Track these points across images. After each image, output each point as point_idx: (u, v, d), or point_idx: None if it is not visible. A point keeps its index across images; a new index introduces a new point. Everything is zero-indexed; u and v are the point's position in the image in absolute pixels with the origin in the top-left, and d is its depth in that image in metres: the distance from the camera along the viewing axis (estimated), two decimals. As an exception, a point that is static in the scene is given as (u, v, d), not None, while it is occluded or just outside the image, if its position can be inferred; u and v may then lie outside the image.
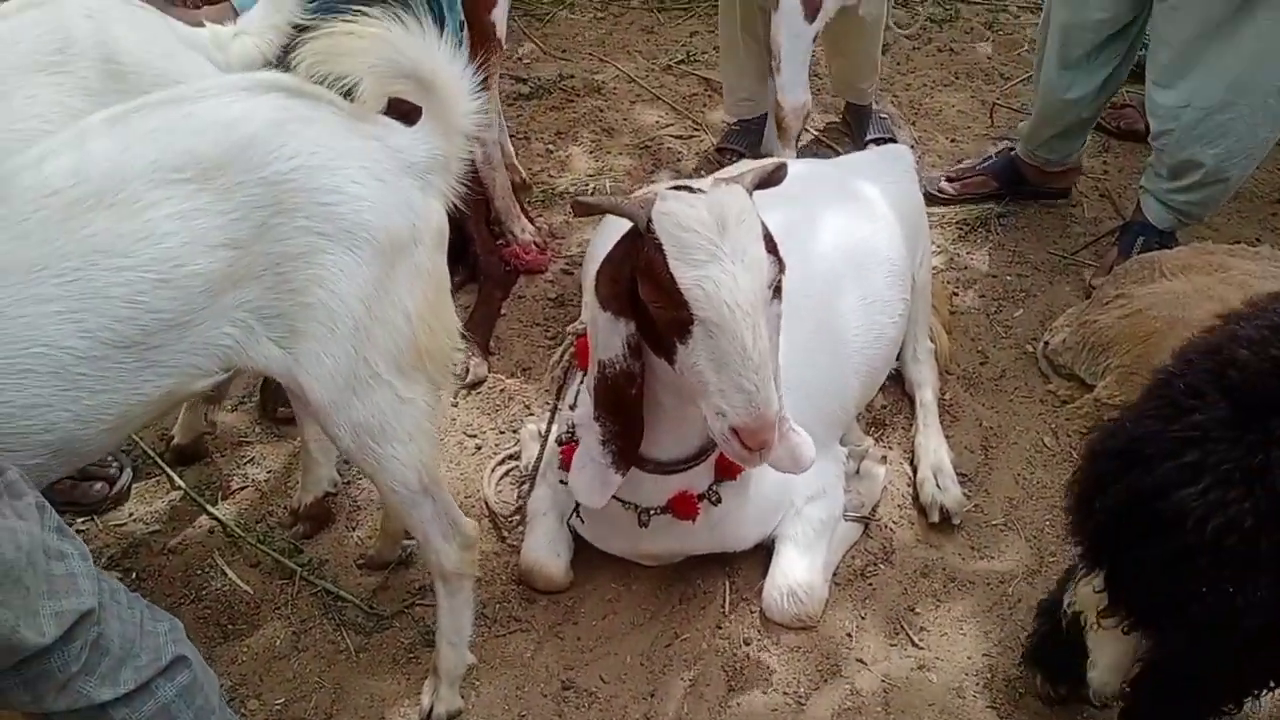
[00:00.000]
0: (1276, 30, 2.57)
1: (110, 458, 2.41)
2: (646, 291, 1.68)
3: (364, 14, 1.61)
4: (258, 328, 1.64)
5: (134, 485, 2.49)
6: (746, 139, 3.52)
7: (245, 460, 2.57)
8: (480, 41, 2.81)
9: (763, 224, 1.69)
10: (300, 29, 1.87)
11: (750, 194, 1.71)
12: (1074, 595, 1.83)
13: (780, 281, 1.71)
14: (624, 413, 1.85)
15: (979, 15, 4.37)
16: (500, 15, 2.81)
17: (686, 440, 1.96)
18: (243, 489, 2.50)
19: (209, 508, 2.43)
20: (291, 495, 2.44)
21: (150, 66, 1.88)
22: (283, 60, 2.02)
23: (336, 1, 1.94)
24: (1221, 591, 1.47)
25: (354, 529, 2.41)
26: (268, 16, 2.09)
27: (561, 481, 2.15)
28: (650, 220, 1.66)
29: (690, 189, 1.71)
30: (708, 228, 1.63)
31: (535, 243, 3.13)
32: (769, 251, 1.68)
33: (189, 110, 1.59)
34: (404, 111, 1.76)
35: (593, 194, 3.39)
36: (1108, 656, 1.81)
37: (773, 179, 1.79)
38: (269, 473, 2.54)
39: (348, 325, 1.66)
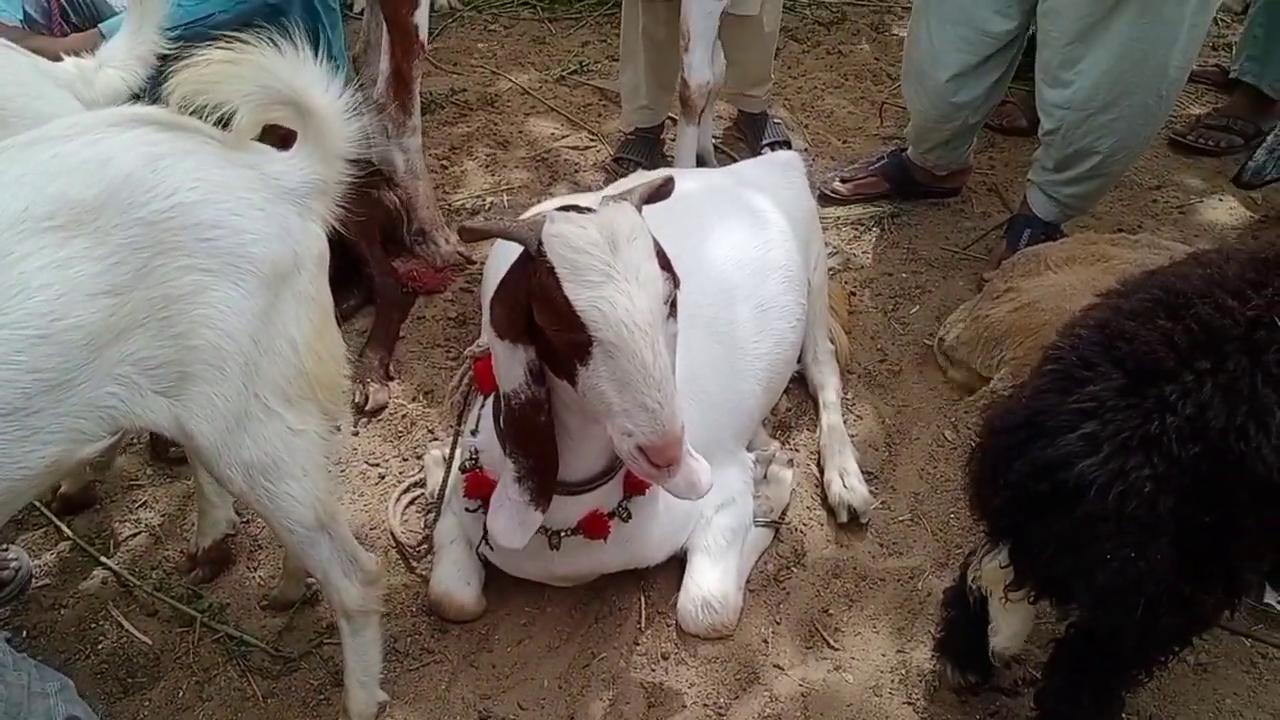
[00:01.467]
0: (1148, 32, 2.65)
1: (9, 552, 2.26)
2: (542, 316, 1.66)
3: (236, 40, 1.56)
4: (143, 383, 1.56)
5: (21, 537, 2.37)
6: (644, 148, 3.53)
7: (137, 505, 2.47)
8: (403, 44, 2.78)
9: (654, 240, 1.69)
10: (164, 58, 1.81)
11: (639, 210, 1.71)
12: (979, 571, 1.86)
13: (675, 298, 1.71)
14: (536, 444, 1.82)
15: (864, 17, 4.47)
16: (422, 18, 2.80)
17: (593, 459, 1.95)
18: (135, 535, 2.40)
19: (101, 557, 2.32)
20: (188, 538, 2.34)
21: (29, 110, 1.80)
22: (151, 90, 1.95)
23: (202, 28, 1.88)
24: (1125, 557, 1.51)
25: (255, 569, 2.33)
26: (131, 47, 2.01)
27: (468, 509, 2.12)
28: (541, 243, 1.64)
29: (579, 208, 1.69)
30: (599, 248, 1.61)
31: (459, 252, 3.09)
32: (662, 267, 1.67)
33: (55, 151, 1.51)
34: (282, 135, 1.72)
35: (489, 209, 3.36)
36: (1011, 625, 1.86)
37: (660, 193, 1.79)
38: (163, 516, 2.44)
39: (237, 363, 1.60)
